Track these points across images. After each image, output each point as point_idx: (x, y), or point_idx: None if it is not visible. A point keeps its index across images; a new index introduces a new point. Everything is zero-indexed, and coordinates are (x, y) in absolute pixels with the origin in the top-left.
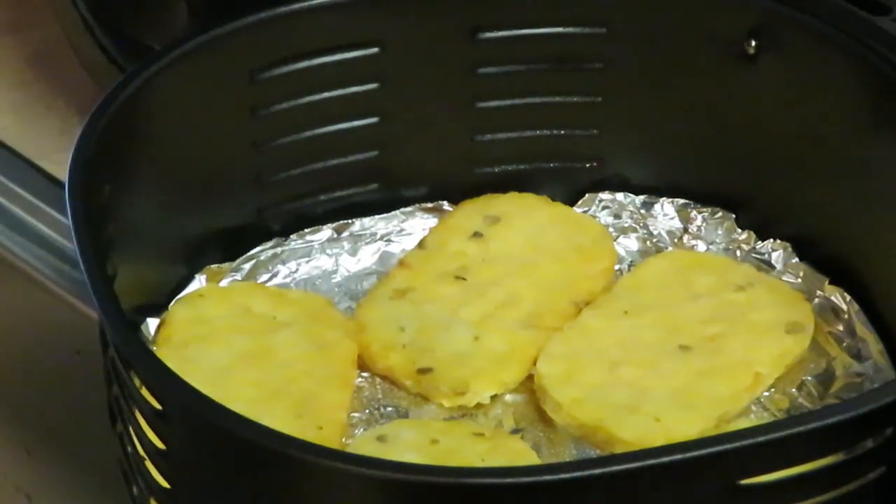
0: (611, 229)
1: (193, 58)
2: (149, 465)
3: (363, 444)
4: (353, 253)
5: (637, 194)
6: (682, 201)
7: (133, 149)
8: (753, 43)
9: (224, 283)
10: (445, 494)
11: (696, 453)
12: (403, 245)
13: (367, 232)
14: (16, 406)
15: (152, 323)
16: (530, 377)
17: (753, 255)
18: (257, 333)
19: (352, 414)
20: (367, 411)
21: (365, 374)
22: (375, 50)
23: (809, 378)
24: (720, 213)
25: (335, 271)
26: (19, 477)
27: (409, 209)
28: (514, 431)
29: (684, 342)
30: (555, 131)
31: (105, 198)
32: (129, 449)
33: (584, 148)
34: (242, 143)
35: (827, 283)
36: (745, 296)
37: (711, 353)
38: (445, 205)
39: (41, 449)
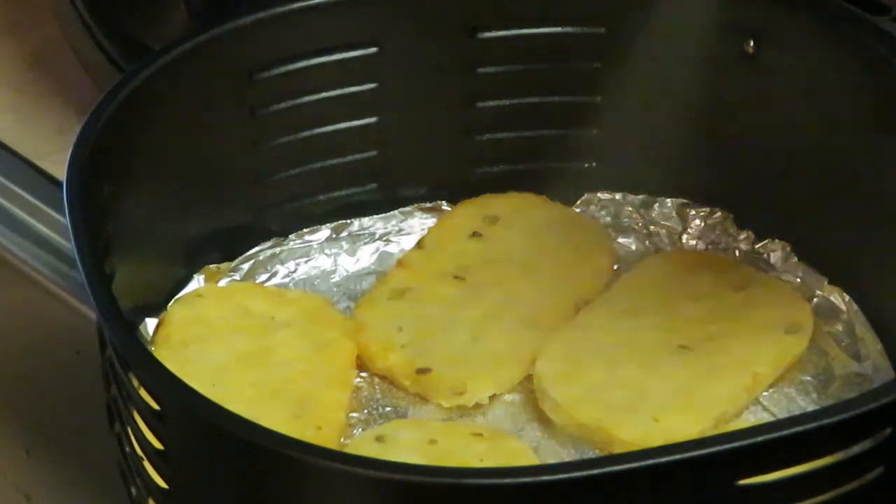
0: (610, 229)
1: (192, 58)
2: (147, 465)
3: (362, 444)
4: (352, 253)
5: (636, 194)
6: (681, 201)
7: (131, 148)
8: (753, 43)
9: (223, 283)
10: (444, 495)
11: (694, 453)
12: (402, 245)
13: (366, 232)
14: (15, 406)
15: (151, 323)
16: (529, 377)
17: (752, 254)
18: (256, 333)
19: (350, 414)
20: (365, 411)
21: (364, 374)
22: (374, 50)
23: (808, 378)
24: (719, 213)
25: (334, 271)
26: (18, 477)
27: (407, 209)
28: (513, 431)
29: (683, 342)
30: (554, 131)
31: (103, 198)
32: (128, 449)
33: (584, 148)
34: (241, 142)
35: (826, 283)
36: (744, 296)
37: (710, 353)
38: (444, 204)
39: (40, 449)
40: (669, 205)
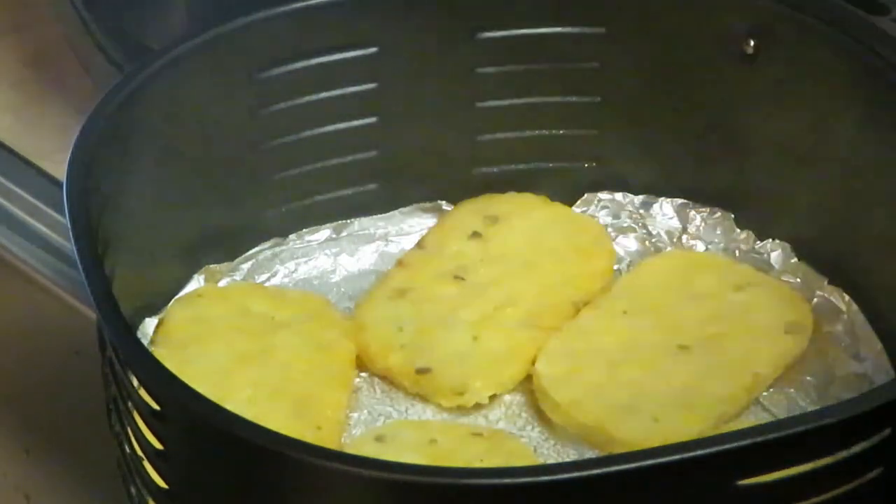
0: (610, 229)
1: (192, 58)
2: (147, 465)
3: (362, 444)
4: (352, 253)
5: (636, 194)
6: (680, 201)
7: (131, 149)
8: (752, 43)
9: (223, 282)
10: (444, 495)
11: (694, 454)
12: (402, 245)
13: (366, 232)
14: (14, 406)
15: (151, 323)
16: (529, 377)
17: (752, 255)
18: (256, 333)
19: (350, 414)
20: (365, 411)
21: (364, 375)
22: (374, 49)
23: (808, 378)
24: (719, 213)
25: (334, 271)
26: (18, 477)
27: (407, 209)
28: (513, 432)
29: (683, 342)
30: (554, 131)
31: (103, 198)
32: (128, 449)
33: (583, 148)
34: (241, 142)
35: (826, 283)
36: (744, 296)
37: (710, 353)
38: (444, 204)
39: (40, 449)
40: (669, 204)
